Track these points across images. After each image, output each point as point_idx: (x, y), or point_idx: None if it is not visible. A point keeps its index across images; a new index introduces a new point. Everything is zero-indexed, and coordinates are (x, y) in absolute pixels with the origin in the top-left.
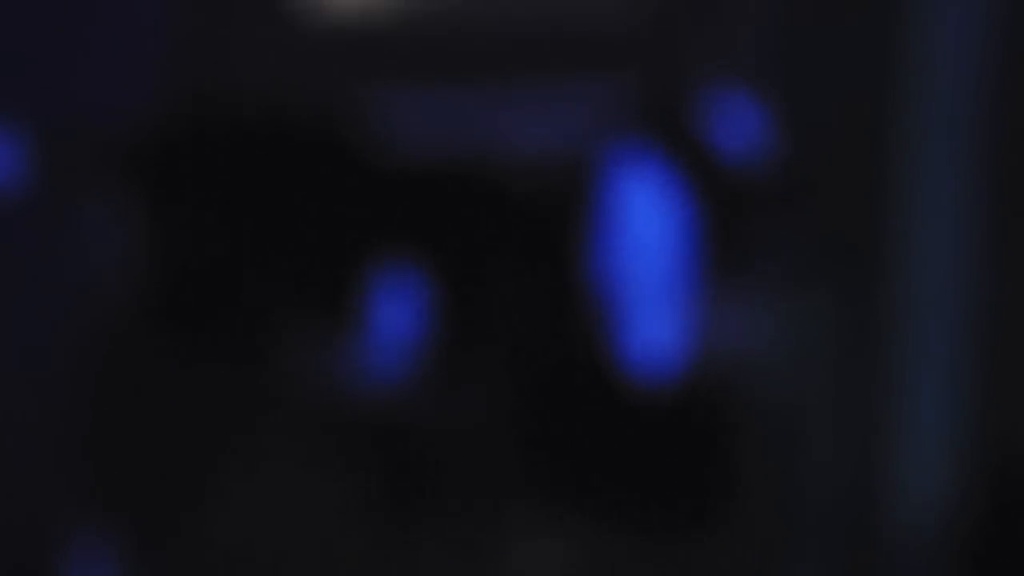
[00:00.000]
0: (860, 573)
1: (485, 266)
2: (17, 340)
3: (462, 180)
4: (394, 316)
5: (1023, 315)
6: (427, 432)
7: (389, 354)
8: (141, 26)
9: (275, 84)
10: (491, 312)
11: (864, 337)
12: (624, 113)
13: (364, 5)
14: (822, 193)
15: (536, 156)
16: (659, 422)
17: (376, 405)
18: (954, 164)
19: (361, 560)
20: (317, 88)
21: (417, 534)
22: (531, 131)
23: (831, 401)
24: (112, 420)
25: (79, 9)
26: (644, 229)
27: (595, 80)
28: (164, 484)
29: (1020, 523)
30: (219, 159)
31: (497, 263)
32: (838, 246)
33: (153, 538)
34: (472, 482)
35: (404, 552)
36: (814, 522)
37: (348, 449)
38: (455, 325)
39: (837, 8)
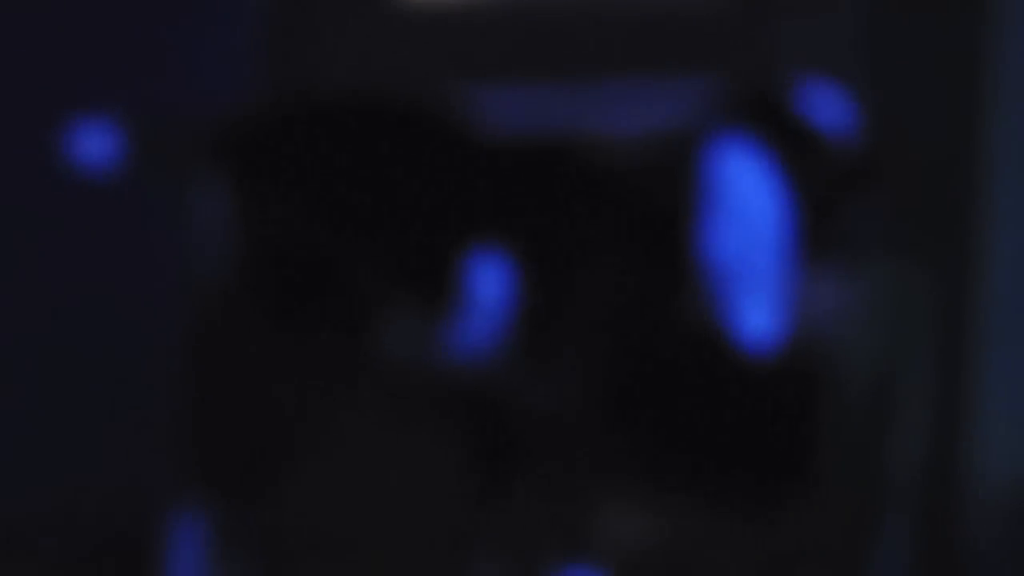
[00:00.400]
0: (943, 540)
1: (584, 243)
2: (116, 318)
3: (561, 160)
4: (492, 291)
5: None
6: (522, 402)
7: (487, 327)
8: (235, 15)
9: (369, 71)
10: (588, 287)
11: (951, 312)
12: (721, 101)
13: None
14: (911, 173)
15: (636, 139)
16: (754, 395)
17: (473, 376)
18: None
19: (452, 524)
20: (412, 75)
21: (507, 500)
22: (631, 117)
23: (919, 373)
24: (213, 394)
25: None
26: (743, 208)
27: (693, 69)
28: (263, 455)
29: None
30: (314, 142)
31: (596, 240)
32: (928, 224)
33: (252, 507)
34: (563, 452)
35: (494, 516)
36: (901, 491)
37: (444, 418)
38: (551, 300)
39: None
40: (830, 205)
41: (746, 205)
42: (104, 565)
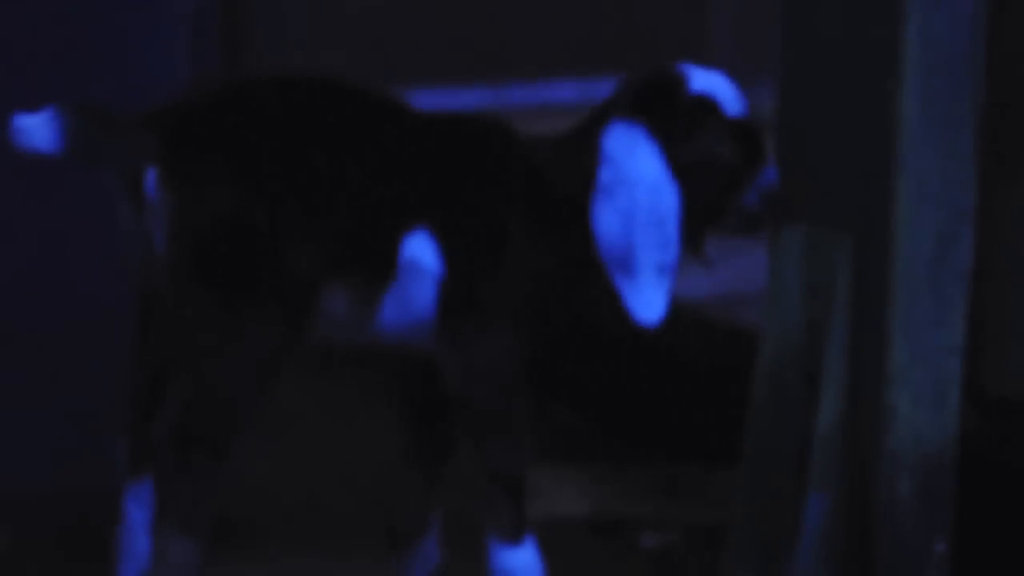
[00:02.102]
0: (861, 497)
1: (504, 213)
2: (63, 301)
3: (480, 134)
4: (426, 263)
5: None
6: (453, 366)
7: (421, 298)
8: (176, 8)
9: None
10: (512, 256)
11: (866, 277)
12: (619, 88)
13: None
14: (826, 140)
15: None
16: (664, 359)
17: (409, 345)
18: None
19: (389, 485)
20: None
21: (443, 458)
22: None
23: (837, 337)
24: (159, 373)
25: None
26: (631, 190)
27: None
28: (209, 431)
29: (1006, 452)
30: (249, 121)
31: (515, 210)
32: (843, 190)
33: (198, 482)
34: (495, 420)
35: (429, 475)
36: (822, 454)
37: (382, 384)
38: (478, 269)
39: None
40: (724, 192)
41: (634, 188)
42: (61, 545)
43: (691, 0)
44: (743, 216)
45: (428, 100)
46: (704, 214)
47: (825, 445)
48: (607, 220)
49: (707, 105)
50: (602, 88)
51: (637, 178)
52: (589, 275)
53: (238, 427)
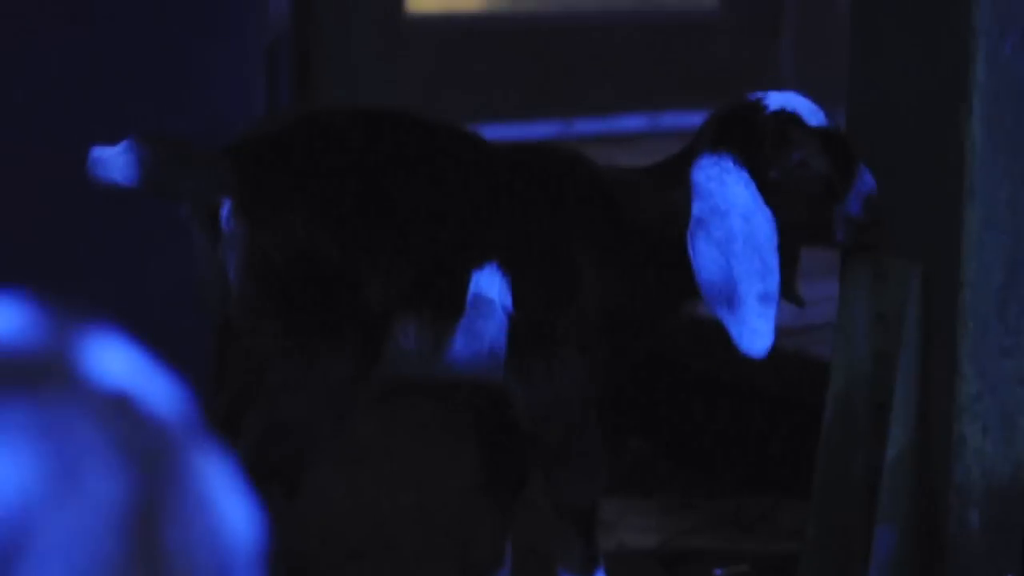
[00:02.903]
0: (932, 530)
1: (573, 250)
2: (132, 333)
3: (553, 166)
4: (495, 296)
5: None
6: (523, 400)
7: (492, 332)
8: (250, 40)
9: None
10: (577, 292)
11: (936, 307)
12: (707, 122)
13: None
14: (896, 170)
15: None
16: (733, 390)
17: (479, 378)
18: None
19: (462, 518)
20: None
21: (516, 490)
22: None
23: (907, 369)
24: (233, 405)
25: (191, 29)
26: (728, 223)
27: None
28: (282, 462)
29: None
30: (322, 155)
31: (583, 250)
32: (913, 220)
33: (269, 512)
34: (565, 445)
35: (503, 507)
36: (891, 484)
37: (452, 417)
38: (546, 304)
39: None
40: (810, 215)
41: (727, 217)
42: None
43: (759, 32)
44: (849, 226)
45: (496, 132)
46: (807, 230)
47: (894, 476)
48: (705, 254)
49: (788, 119)
50: (669, 119)
51: (729, 207)
52: (661, 307)
53: (311, 460)
